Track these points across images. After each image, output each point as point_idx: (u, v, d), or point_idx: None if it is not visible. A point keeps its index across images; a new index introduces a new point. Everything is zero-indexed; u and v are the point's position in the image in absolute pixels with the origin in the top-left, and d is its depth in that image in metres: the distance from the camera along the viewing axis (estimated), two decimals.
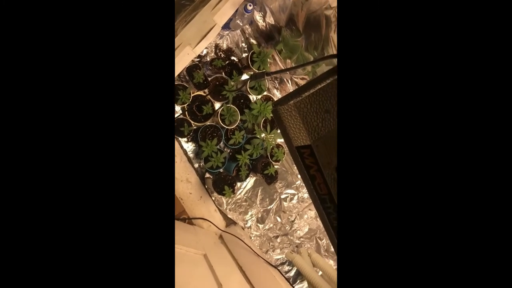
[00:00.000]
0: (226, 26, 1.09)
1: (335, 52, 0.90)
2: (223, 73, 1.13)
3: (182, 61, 0.93)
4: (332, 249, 1.22)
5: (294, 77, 1.21)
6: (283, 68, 1.21)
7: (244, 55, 1.18)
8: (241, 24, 1.07)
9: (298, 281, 1.20)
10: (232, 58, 1.17)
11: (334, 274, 1.03)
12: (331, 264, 1.15)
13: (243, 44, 1.19)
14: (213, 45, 1.14)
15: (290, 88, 1.25)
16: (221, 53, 1.15)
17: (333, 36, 0.87)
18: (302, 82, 1.19)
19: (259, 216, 1.22)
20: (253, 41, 1.20)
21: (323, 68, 0.99)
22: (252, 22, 1.15)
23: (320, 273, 1.09)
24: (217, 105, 1.13)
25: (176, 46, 0.93)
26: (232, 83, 1.11)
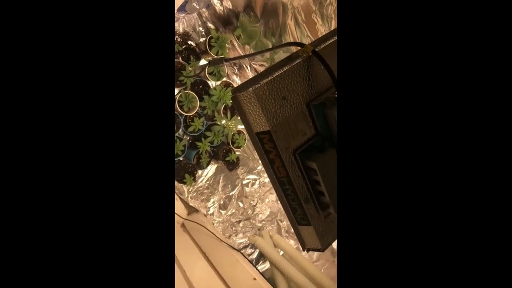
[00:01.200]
0: (181, 9, 1.04)
1: (292, 39, 0.92)
2: (180, 58, 1.09)
3: None
4: (292, 230, 1.29)
5: (253, 63, 1.21)
6: (242, 53, 1.20)
7: (202, 39, 1.14)
8: (198, 7, 1.03)
9: (261, 261, 1.25)
10: (189, 42, 1.13)
11: (294, 253, 1.09)
12: (292, 244, 1.21)
13: (200, 28, 1.15)
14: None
15: (250, 74, 1.25)
16: (177, 37, 1.11)
17: (290, 23, 0.89)
18: (261, 69, 1.20)
19: (222, 202, 1.23)
20: (210, 25, 1.16)
21: (281, 55, 1.01)
22: (209, 6, 1.12)
23: (282, 253, 1.14)
24: (175, 91, 1.09)
25: None
26: (190, 68, 1.08)
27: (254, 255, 1.25)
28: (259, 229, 1.30)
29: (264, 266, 1.23)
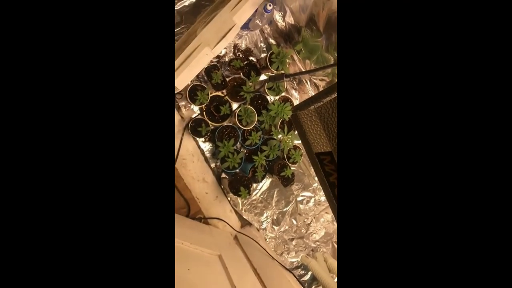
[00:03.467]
0: (245, 26, 1.08)
1: None
2: (241, 73, 1.13)
3: (201, 61, 0.94)
4: None
5: (313, 78, 1.19)
6: (302, 68, 1.19)
7: (263, 55, 1.17)
8: (260, 24, 1.06)
9: (314, 286, 1.18)
10: (251, 58, 1.16)
11: None
12: None
13: (262, 44, 1.18)
14: (232, 45, 1.14)
15: (309, 89, 1.23)
16: (239, 53, 1.15)
17: None
18: (321, 83, 1.17)
19: (275, 218, 1.21)
20: (272, 41, 1.18)
21: None
22: (272, 22, 1.14)
23: (336, 279, 1.07)
24: (234, 106, 1.13)
25: (195, 47, 0.93)
26: (250, 83, 1.11)
27: (306, 278, 1.19)
28: (312, 250, 1.24)
29: None
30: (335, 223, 1.27)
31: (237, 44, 1.14)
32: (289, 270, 1.02)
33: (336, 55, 0.99)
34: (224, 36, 0.95)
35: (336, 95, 0.42)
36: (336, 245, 1.27)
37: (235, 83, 1.12)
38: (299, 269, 1.20)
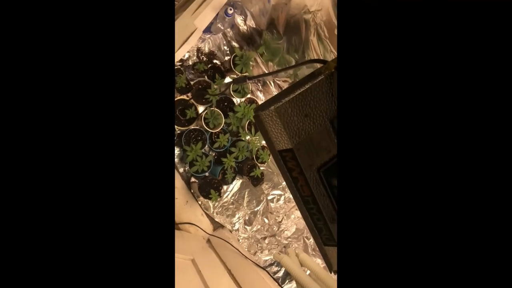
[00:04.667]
0: (207, 30, 1.09)
1: (315, 55, 0.92)
2: (205, 76, 1.13)
3: None
4: None
5: (277, 80, 1.22)
6: (265, 70, 1.22)
7: (227, 58, 1.18)
8: (222, 28, 1.07)
9: (287, 281, 1.21)
10: (215, 61, 1.17)
11: (321, 272, 1.05)
12: (319, 263, 1.17)
13: (225, 47, 1.19)
14: (195, 48, 1.14)
15: (273, 90, 1.26)
16: (203, 56, 1.15)
17: (313, 39, 0.89)
18: (284, 85, 1.21)
19: (247, 218, 1.23)
20: (235, 44, 1.20)
21: (305, 71, 1.01)
22: (234, 26, 1.16)
23: (308, 272, 1.10)
24: (200, 109, 1.13)
25: None
26: (215, 86, 1.11)
27: (280, 274, 1.22)
28: (285, 247, 1.27)
29: (291, 285, 1.19)
30: None
31: (200, 47, 1.14)
32: (263, 268, 1.04)
33: (296, 56, 1.03)
34: (186, 40, 0.95)
35: (293, 95, 0.45)
36: (307, 241, 1.32)
37: (200, 86, 1.12)
38: (273, 266, 1.22)
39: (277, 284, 0.98)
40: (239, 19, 1.15)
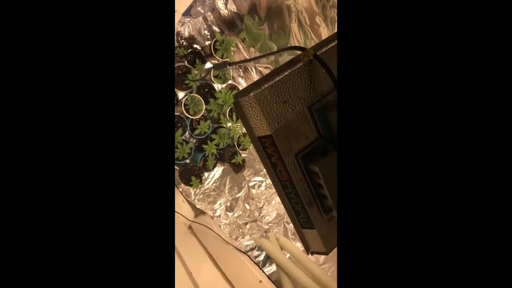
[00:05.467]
0: (187, 13, 1.05)
1: (295, 41, 0.92)
2: (185, 61, 1.10)
3: None
4: None
5: (258, 66, 1.22)
6: (247, 56, 1.21)
7: (207, 43, 1.16)
8: (203, 12, 1.04)
9: (267, 264, 1.25)
10: (195, 46, 1.14)
11: (300, 255, 1.08)
12: (298, 247, 1.20)
13: (206, 32, 1.16)
14: (175, 32, 1.10)
15: (255, 76, 1.25)
16: (183, 41, 1.12)
17: (293, 26, 0.89)
18: (265, 71, 1.20)
19: (228, 204, 1.24)
20: (215, 28, 1.17)
21: (286, 57, 1.01)
22: (214, 9, 1.13)
23: (288, 255, 1.14)
24: (180, 95, 1.11)
25: None
26: (196, 72, 1.09)
27: (261, 258, 1.25)
28: (265, 231, 1.30)
29: (271, 268, 1.22)
30: None
31: (179, 31, 1.11)
32: (244, 253, 1.06)
33: (279, 43, 1.03)
34: None
35: (272, 82, 0.45)
36: (287, 225, 1.35)
37: (179, 72, 1.09)
38: (254, 251, 1.25)
39: (258, 267, 1.00)
40: (219, 3, 1.12)
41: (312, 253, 0.59)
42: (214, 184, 1.21)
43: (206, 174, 1.18)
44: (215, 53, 1.08)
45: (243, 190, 1.27)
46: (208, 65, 1.16)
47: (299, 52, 0.48)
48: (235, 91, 1.14)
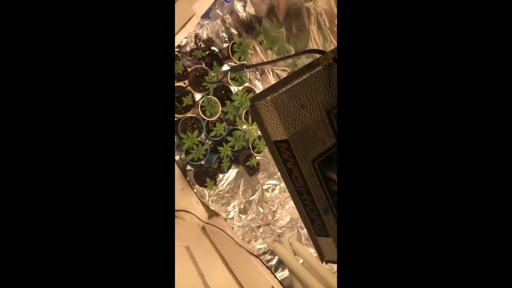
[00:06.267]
0: (205, 16, 1.06)
1: (314, 44, 0.91)
2: (203, 63, 1.11)
3: None
4: None
5: (275, 69, 1.21)
6: (264, 58, 1.20)
7: (225, 45, 1.16)
8: (221, 14, 1.05)
9: (280, 269, 1.23)
10: (213, 48, 1.15)
11: (314, 261, 1.06)
12: (311, 252, 1.18)
13: (224, 34, 1.17)
14: (193, 35, 1.11)
15: (271, 79, 1.25)
16: (201, 43, 1.13)
17: (313, 28, 0.87)
18: (283, 74, 1.19)
19: (242, 207, 1.24)
20: (233, 31, 1.18)
21: (304, 60, 0.99)
22: (233, 12, 1.13)
23: (301, 261, 1.12)
24: (197, 96, 1.11)
25: None
26: (213, 74, 1.10)
27: (273, 262, 1.24)
28: (278, 236, 1.28)
29: (283, 273, 1.21)
30: None
31: (198, 33, 1.12)
32: (257, 256, 1.05)
33: (296, 46, 1.02)
34: (184, 26, 0.92)
35: (290, 86, 0.44)
36: (301, 230, 1.33)
37: (197, 74, 1.10)
38: (267, 255, 1.24)
39: (270, 272, 0.99)
40: (238, 5, 1.12)
41: (327, 262, 0.57)
42: (228, 186, 1.21)
43: (220, 175, 1.18)
44: (232, 55, 1.08)
45: (257, 193, 1.26)
46: (225, 67, 1.16)
47: (318, 56, 0.47)
48: (251, 94, 1.13)
